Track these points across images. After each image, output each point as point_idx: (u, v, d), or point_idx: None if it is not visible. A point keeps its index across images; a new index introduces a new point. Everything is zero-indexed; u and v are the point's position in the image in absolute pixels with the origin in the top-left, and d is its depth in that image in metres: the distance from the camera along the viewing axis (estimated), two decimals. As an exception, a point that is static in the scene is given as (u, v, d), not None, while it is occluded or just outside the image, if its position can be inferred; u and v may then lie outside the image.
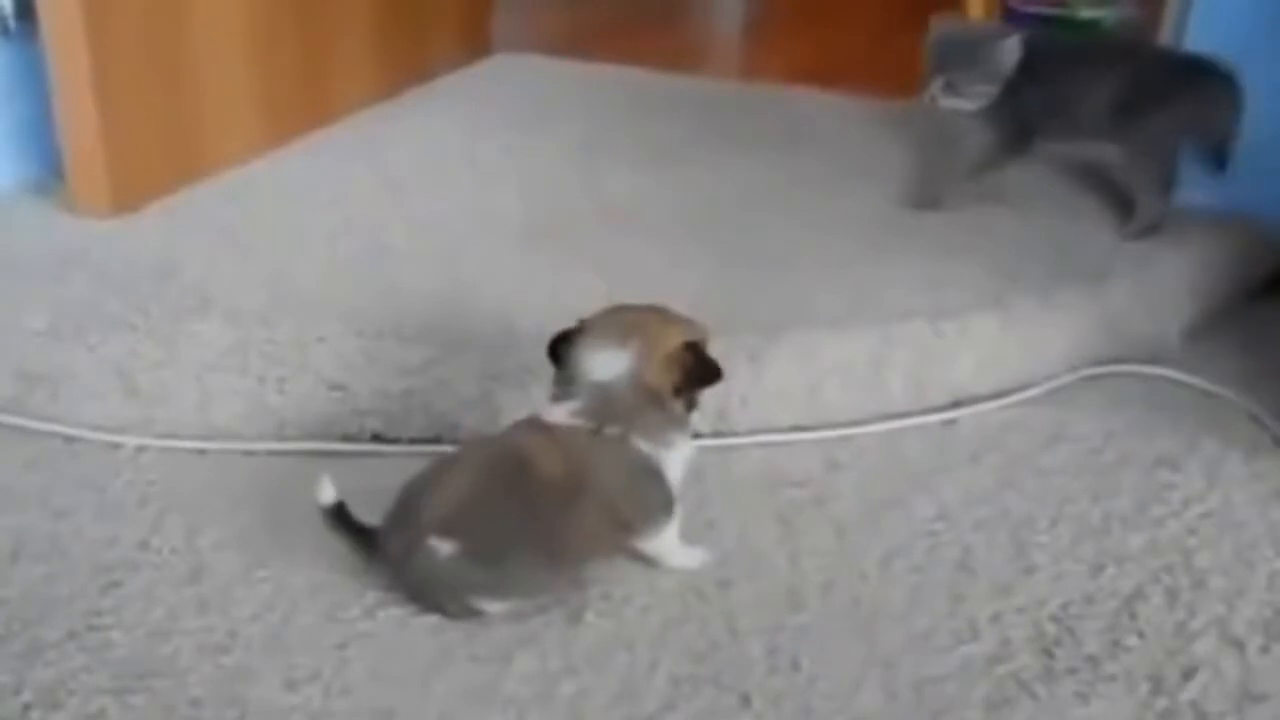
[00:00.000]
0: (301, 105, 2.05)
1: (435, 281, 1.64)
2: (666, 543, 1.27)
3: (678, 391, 1.24)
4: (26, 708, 1.08)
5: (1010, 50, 1.83)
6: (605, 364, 1.23)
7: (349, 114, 2.18)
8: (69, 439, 1.46)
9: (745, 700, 1.13)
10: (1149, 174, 1.87)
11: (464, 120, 2.24)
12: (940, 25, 1.91)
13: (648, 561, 1.28)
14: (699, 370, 1.24)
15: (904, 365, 1.55)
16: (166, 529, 1.32)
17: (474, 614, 1.20)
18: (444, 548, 1.17)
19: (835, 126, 2.35)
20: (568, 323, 1.28)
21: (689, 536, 1.30)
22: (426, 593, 1.21)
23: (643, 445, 1.23)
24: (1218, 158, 1.86)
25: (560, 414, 1.23)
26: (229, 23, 1.89)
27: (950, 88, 1.85)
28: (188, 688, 1.12)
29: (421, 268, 1.68)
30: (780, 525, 1.37)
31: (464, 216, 1.87)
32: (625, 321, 1.25)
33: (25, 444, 1.46)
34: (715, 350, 1.26)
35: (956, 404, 1.58)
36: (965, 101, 1.85)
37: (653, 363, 1.23)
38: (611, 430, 1.22)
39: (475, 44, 2.56)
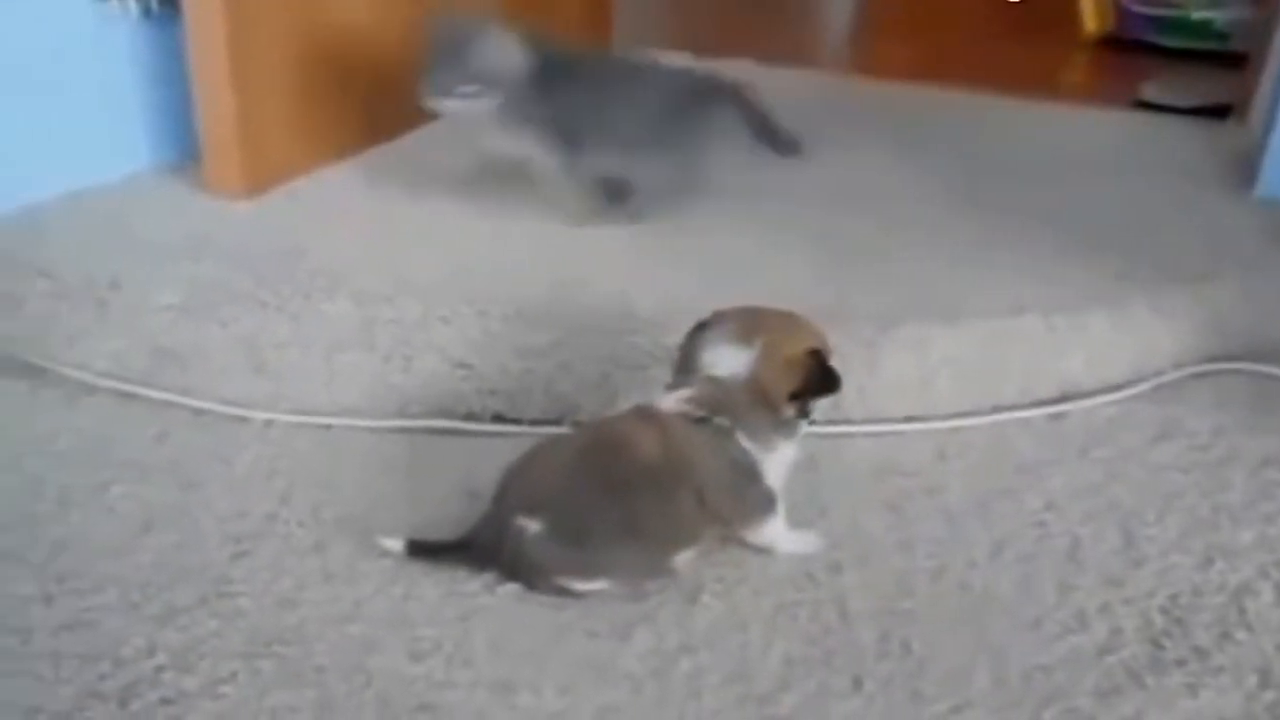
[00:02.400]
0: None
1: (556, 266, 1.66)
2: (773, 533, 1.29)
3: (793, 397, 1.25)
4: (159, 670, 1.12)
5: (501, 50, 1.69)
6: (726, 359, 1.25)
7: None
8: (198, 412, 1.51)
9: (857, 683, 1.14)
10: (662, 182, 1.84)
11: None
12: (434, 19, 1.70)
13: (759, 549, 1.30)
14: (819, 379, 1.25)
15: (1015, 358, 1.56)
16: (293, 502, 1.36)
17: (565, 593, 1.22)
18: (531, 526, 1.20)
19: (950, 123, 2.35)
20: (684, 310, 1.30)
21: (800, 522, 1.31)
22: (516, 571, 1.23)
23: (746, 443, 1.24)
24: (778, 148, 1.90)
25: (671, 402, 1.26)
26: (359, 10, 1.93)
27: (441, 87, 1.69)
28: (314, 655, 1.15)
29: (542, 252, 1.71)
30: (890, 513, 1.38)
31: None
32: (754, 321, 1.27)
33: (156, 417, 1.51)
34: (832, 340, 1.28)
35: (1065, 398, 1.59)
36: (455, 102, 1.69)
37: (773, 365, 1.24)
38: (719, 422, 1.24)
39: (596, 40, 2.59)
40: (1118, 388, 1.61)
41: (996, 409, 1.56)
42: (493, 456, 1.29)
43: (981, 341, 1.55)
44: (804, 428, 1.28)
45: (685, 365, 1.27)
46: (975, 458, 1.48)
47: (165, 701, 1.09)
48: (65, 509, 1.34)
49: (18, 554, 1.26)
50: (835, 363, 1.26)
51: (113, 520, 1.32)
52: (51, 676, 1.11)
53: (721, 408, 1.24)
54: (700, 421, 1.24)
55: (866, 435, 1.52)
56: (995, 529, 1.36)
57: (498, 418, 1.50)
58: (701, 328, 1.28)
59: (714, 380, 1.25)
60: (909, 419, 1.53)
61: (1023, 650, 1.19)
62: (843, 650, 1.18)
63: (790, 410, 1.25)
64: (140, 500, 1.36)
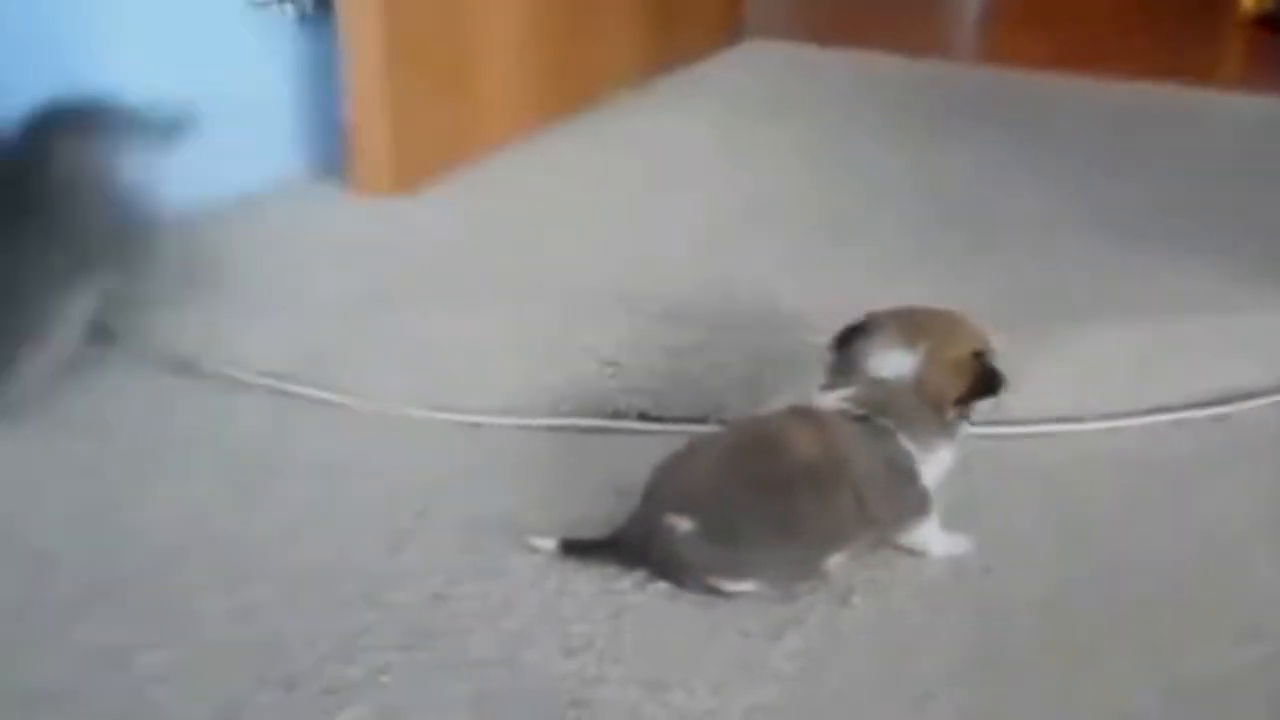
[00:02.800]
0: (567, 91, 2.11)
1: (699, 265, 1.67)
2: (927, 535, 1.28)
3: (960, 400, 1.24)
4: (322, 659, 1.15)
5: None
6: (890, 362, 1.24)
7: (611, 99, 2.24)
8: (353, 410, 1.54)
9: (1015, 686, 1.12)
10: None
11: (719, 106, 2.29)
12: None
13: (910, 551, 1.28)
14: (985, 380, 1.24)
15: (1174, 358, 1.52)
16: (444, 499, 1.38)
17: (714, 593, 1.22)
18: (681, 524, 1.20)
19: (1091, 114, 2.30)
20: (832, 308, 1.29)
21: (953, 524, 1.29)
22: (667, 571, 1.23)
23: (907, 444, 1.23)
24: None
25: (830, 401, 1.25)
26: (507, 13, 1.97)
27: None
28: (470, 649, 1.16)
29: (687, 250, 1.72)
30: (1045, 515, 1.36)
31: (723, 201, 1.91)
32: (917, 322, 1.26)
33: (312, 414, 1.54)
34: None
35: (1228, 399, 1.54)
36: None
37: (939, 368, 1.23)
38: (881, 423, 1.23)
39: (728, 31, 2.60)
40: (1287, 389, 1.56)
41: (1155, 410, 1.51)
42: (640, 455, 1.30)
43: (1139, 340, 1.52)
44: (965, 430, 1.26)
45: (844, 366, 1.27)
46: (1133, 460, 1.45)
47: (327, 691, 1.11)
48: (227, 504, 1.37)
49: (185, 546, 1.30)
50: (998, 363, 1.25)
51: (272, 515, 1.35)
52: (222, 664, 1.14)
53: (885, 409, 1.23)
54: (861, 420, 1.23)
55: (1020, 436, 1.49)
56: (1154, 534, 1.33)
57: (644, 416, 1.50)
58: (860, 329, 1.27)
59: (878, 382, 1.24)
60: (1063, 420, 1.50)
61: (1190, 659, 1.16)
62: (998, 653, 1.16)
63: (955, 413, 1.24)
64: (298, 495, 1.39)
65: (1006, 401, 1.43)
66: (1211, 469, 1.43)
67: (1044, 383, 1.49)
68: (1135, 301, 1.58)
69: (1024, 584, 1.25)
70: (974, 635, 1.19)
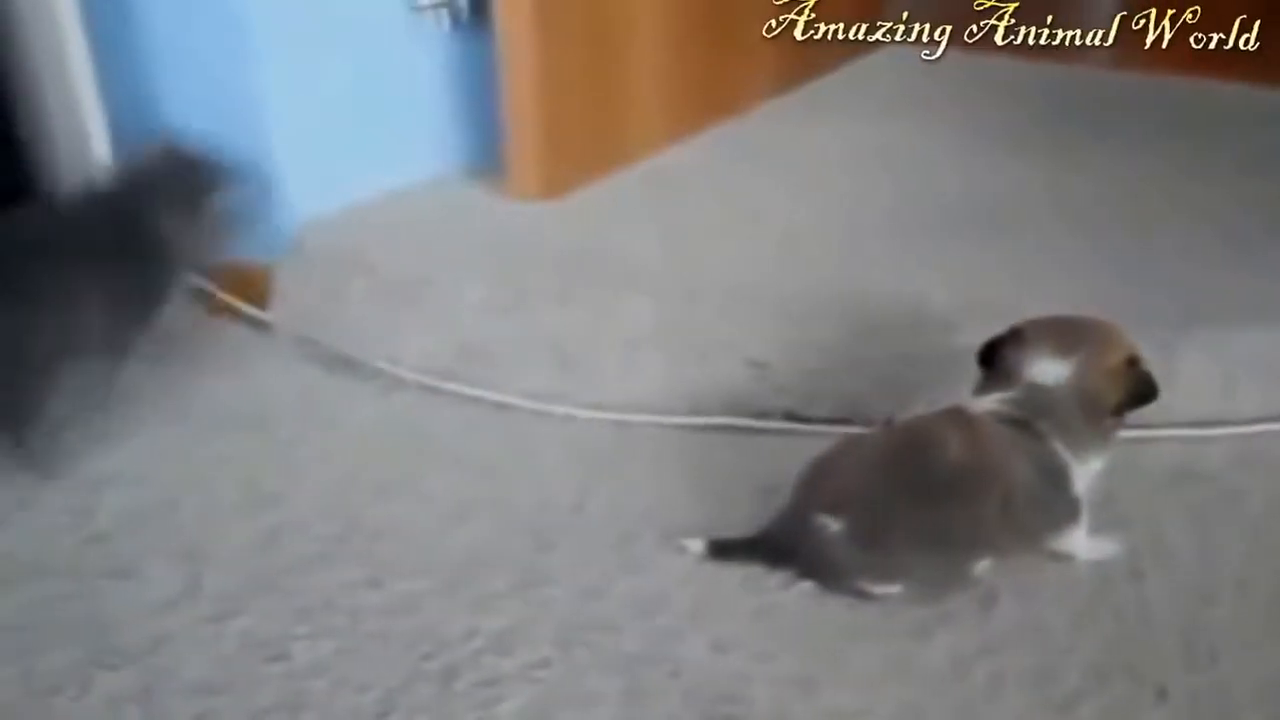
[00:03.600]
0: (710, 99, 2.13)
1: (841, 266, 1.68)
2: (1075, 541, 1.27)
3: (1118, 407, 1.24)
4: (478, 653, 1.18)
5: None
6: (1048, 369, 1.25)
7: (751, 107, 2.25)
8: (502, 406, 1.58)
9: (1162, 693, 1.12)
10: None
11: (860, 111, 2.29)
12: None
13: (1057, 556, 1.28)
14: (1140, 387, 1.25)
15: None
16: (593, 495, 1.41)
17: (860, 595, 1.23)
18: (832, 525, 1.21)
19: (1222, 115, 2.26)
20: (976, 312, 1.29)
21: (1099, 527, 1.29)
22: (815, 571, 1.25)
23: (1062, 451, 1.24)
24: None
25: (987, 405, 1.25)
26: (654, 24, 1.99)
27: None
28: (623, 644, 1.19)
29: (827, 253, 1.73)
30: (1191, 519, 1.34)
31: (863, 205, 1.91)
32: (1073, 330, 1.26)
33: (462, 409, 1.58)
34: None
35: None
36: None
37: (1097, 375, 1.24)
38: (1038, 427, 1.23)
39: (866, 21, 2.59)
40: None
41: (1309, 412, 1.49)
42: (785, 455, 1.31)
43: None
44: (1118, 438, 1.26)
45: (1000, 371, 1.27)
46: (1278, 464, 1.43)
47: (485, 683, 1.15)
48: (382, 498, 1.42)
49: (342, 539, 1.35)
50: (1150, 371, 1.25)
51: (427, 509, 1.40)
52: (380, 655, 1.18)
53: (1042, 414, 1.24)
54: (1015, 425, 1.23)
55: (1166, 440, 1.47)
56: (1307, 539, 1.31)
57: (789, 416, 1.52)
58: (1014, 336, 1.27)
59: (1037, 388, 1.25)
60: (1210, 423, 1.48)
61: (1340, 666, 1.14)
62: (1146, 658, 1.16)
63: (1110, 421, 1.25)
64: (451, 491, 1.43)
65: (1159, 405, 1.43)
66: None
67: (1189, 385, 1.48)
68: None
69: (1172, 591, 1.24)
70: (1123, 640, 1.18)
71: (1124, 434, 1.43)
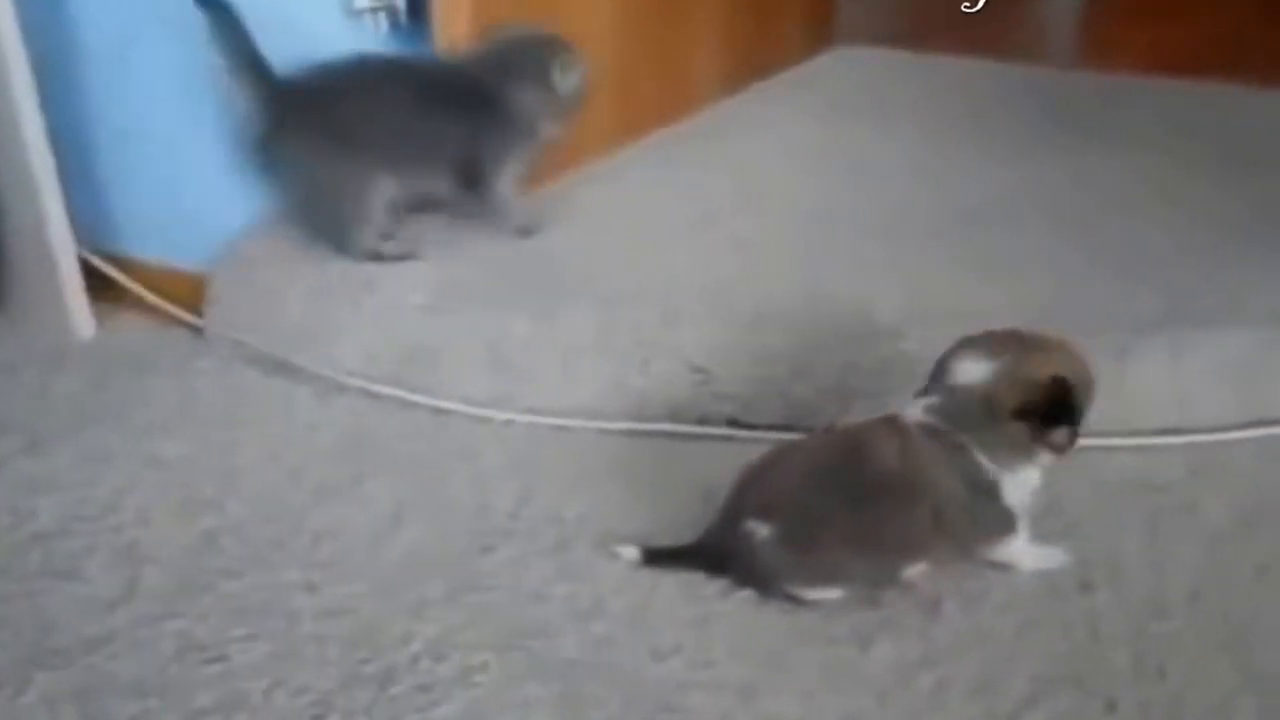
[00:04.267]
0: (658, 100, 2.11)
1: (791, 272, 1.67)
2: (1013, 551, 1.26)
3: (1018, 415, 1.20)
4: (415, 658, 1.16)
5: None
6: (967, 371, 1.22)
7: (700, 106, 2.23)
8: (441, 411, 1.55)
9: (1110, 706, 1.11)
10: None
11: (809, 113, 2.27)
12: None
13: (1001, 566, 1.27)
14: (1048, 403, 1.19)
15: (1281, 370, 1.49)
16: (533, 500, 1.39)
17: (795, 600, 1.21)
18: (762, 530, 1.20)
19: (1194, 118, 2.26)
20: (925, 319, 1.28)
21: (1047, 537, 1.28)
22: (747, 576, 1.24)
23: (983, 460, 1.21)
24: None
25: (915, 411, 1.24)
26: (597, 23, 1.97)
27: None
28: (561, 650, 1.17)
29: (776, 258, 1.72)
30: (1144, 530, 1.33)
31: (814, 209, 1.90)
32: (1011, 339, 1.23)
33: (402, 414, 1.56)
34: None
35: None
36: None
37: (1005, 380, 1.20)
38: (956, 438, 1.21)
39: (818, 36, 2.59)
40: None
41: (1261, 422, 1.47)
42: (726, 461, 1.30)
43: (1245, 350, 1.49)
44: (1044, 455, 1.22)
45: (936, 374, 1.25)
46: (1237, 474, 1.42)
47: (422, 688, 1.13)
48: (321, 501, 1.40)
49: (280, 542, 1.33)
50: (1081, 399, 1.21)
51: (366, 513, 1.38)
52: (317, 658, 1.16)
53: (955, 420, 1.21)
54: (938, 435, 1.22)
55: (1119, 448, 1.45)
56: (1259, 551, 1.29)
57: (731, 422, 1.50)
58: (962, 340, 1.25)
59: (952, 390, 1.23)
60: (1165, 431, 1.47)
61: (1292, 683, 1.13)
62: (1094, 671, 1.15)
63: (1016, 429, 1.20)
64: (391, 494, 1.41)
65: (1105, 412, 1.41)
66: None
67: (1144, 393, 1.47)
68: (1242, 309, 1.55)
69: (1123, 602, 1.23)
70: (1070, 652, 1.17)
71: (1085, 443, 1.42)
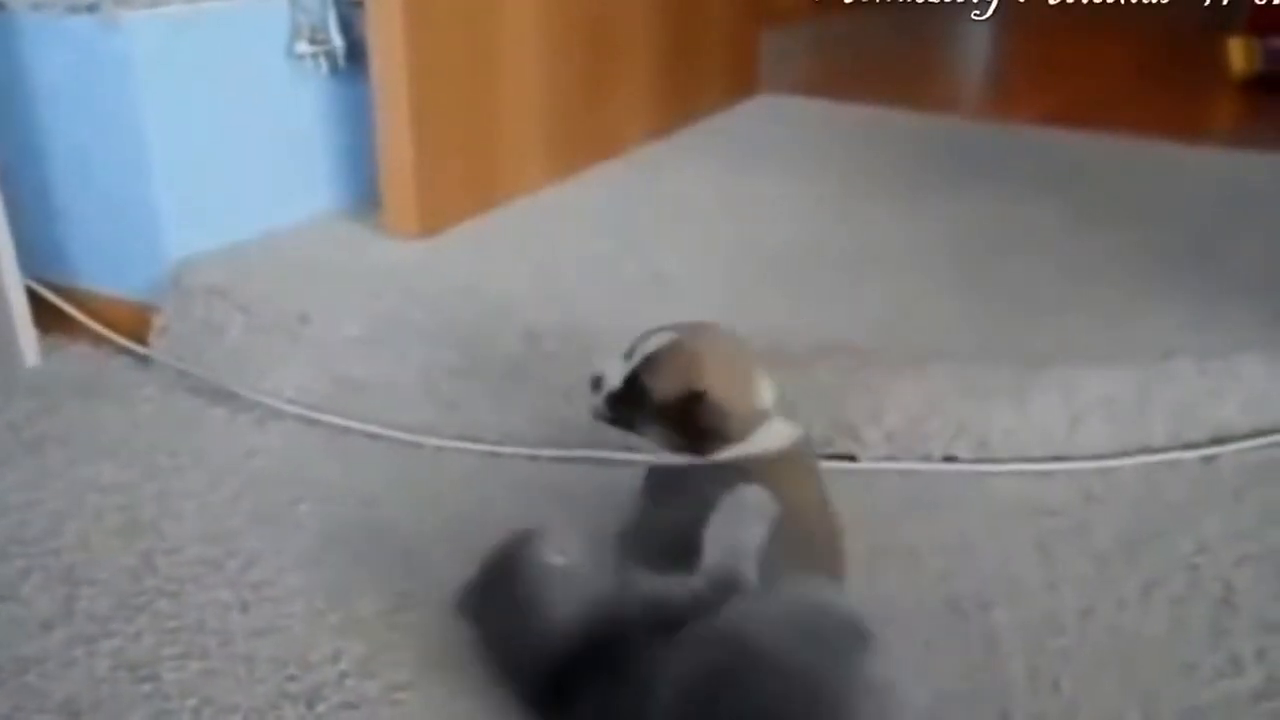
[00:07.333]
0: (586, 142, 2.20)
1: (709, 307, 1.69)
2: None
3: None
4: (343, 675, 1.19)
5: None
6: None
7: (626, 150, 2.32)
8: (374, 437, 1.60)
9: (1005, 718, 1.15)
10: None
11: (731, 157, 2.36)
12: None
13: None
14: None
15: (1165, 401, 1.56)
16: (462, 524, 1.43)
17: None
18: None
19: (1093, 167, 2.36)
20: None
21: (951, 562, 1.34)
22: None
23: None
24: None
25: None
26: (529, 70, 2.05)
27: None
28: (485, 671, 1.19)
29: (695, 294, 1.78)
30: (1038, 552, 1.39)
31: (731, 248, 1.97)
32: (667, 337, 1.34)
33: (338, 440, 1.61)
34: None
35: (1217, 442, 1.58)
36: None
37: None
38: None
39: (742, 85, 2.68)
40: (1272, 431, 1.60)
41: (1146, 451, 1.56)
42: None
43: (1131, 384, 1.56)
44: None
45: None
46: (1124, 500, 1.49)
47: (348, 705, 1.16)
48: (257, 524, 1.43)
49: (216, 564, 1.36)
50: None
51: (300, 535, 1.42)
52: (247, 677, 1.20)
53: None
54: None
55: (1013, 474, 1.53)
56: (1145, 571, 1.36)
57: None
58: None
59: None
60: (1056, 459, 1.55)
61: (1176, 693, 1.18)
62: (991, 686, 1.19)
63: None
64: (325, 517, 1.45)
65: (999, 440, 1.48)
66: (1201, 509, 1.47)
67: (1037, 423, 1.55)
68: (1129, 346, 1.63)
69: (1019, 619, 1.28)
70: (969, 668, 1.22)
71: (973, 467, 1.50)
